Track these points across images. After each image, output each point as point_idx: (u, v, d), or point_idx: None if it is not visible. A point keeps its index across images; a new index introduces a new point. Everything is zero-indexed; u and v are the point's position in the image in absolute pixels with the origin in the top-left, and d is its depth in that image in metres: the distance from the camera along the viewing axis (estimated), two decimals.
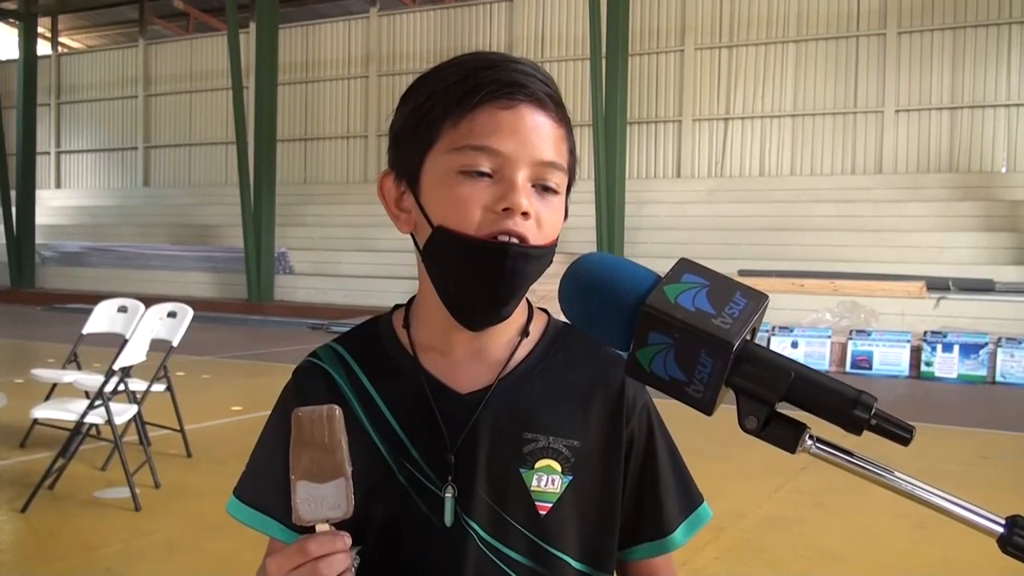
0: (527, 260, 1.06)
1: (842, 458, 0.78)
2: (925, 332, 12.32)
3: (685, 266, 0.85)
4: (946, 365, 11.98)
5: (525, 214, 1.04)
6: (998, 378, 11.73)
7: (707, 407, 0.81)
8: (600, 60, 15.83)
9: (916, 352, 12.21)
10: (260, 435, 1.22)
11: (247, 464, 1.22)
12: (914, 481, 0.77)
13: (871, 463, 0.78)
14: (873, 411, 0.77)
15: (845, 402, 0.77)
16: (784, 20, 19.02)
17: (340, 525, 0.95)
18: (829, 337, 12.63)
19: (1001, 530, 0.74)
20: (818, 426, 0.79)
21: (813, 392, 0.79)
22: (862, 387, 0.76)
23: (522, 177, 1.05)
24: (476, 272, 1.06)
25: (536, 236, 1.06)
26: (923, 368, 12.06)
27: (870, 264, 15.03)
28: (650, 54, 20.12)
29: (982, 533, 0.75)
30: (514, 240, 1.04)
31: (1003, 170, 17.52)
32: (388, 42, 23.13)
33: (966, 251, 15.54)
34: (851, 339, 12.56)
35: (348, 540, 0.94)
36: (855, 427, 0.77)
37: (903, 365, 12.20)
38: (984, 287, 14.13)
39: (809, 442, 0.79)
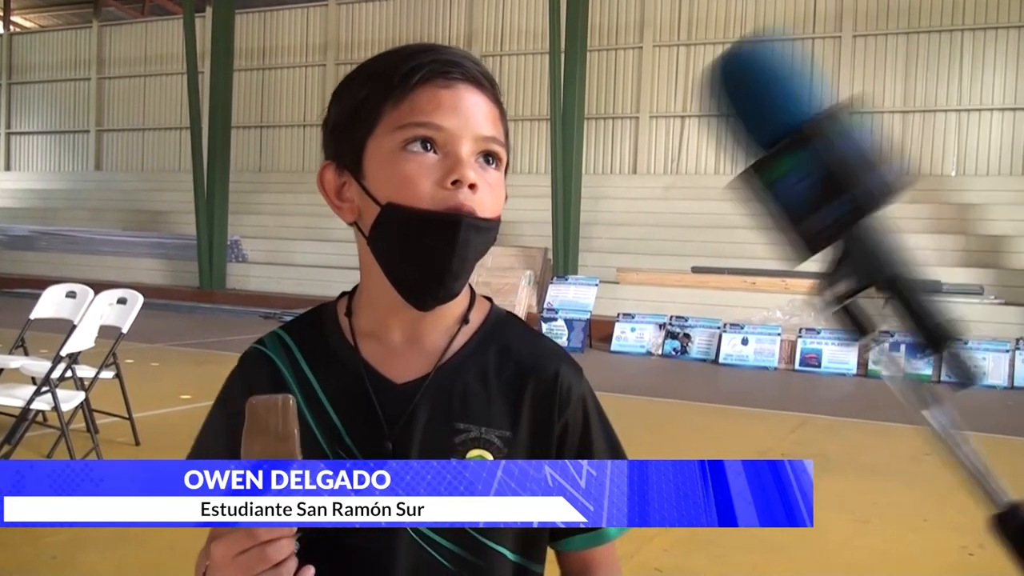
0: (477, 232, 1.07)
1: (903, 379, 0.75)
2: None
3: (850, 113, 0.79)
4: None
5: (472, 186, 1.06)
6: (943, 377, 11.85)
7: (813, 244, 0.75)
8: (559, 55, 15.81)
9: (864, 351, 12.38)
10: (205, 420, 1.22)
11: (191, 450, 1.21)
12: (958, 436, 0.73)
13: (928, 388, 0.74)
14: (957, 340, 0.74)
15: (940, 315, 0.75)
16: (741, 20, 19.17)
17: None
18: (779, 335, 12.76)
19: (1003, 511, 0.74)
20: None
21: (919, 290, 0.75)
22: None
23: (466, 151, 1.07)
24: (428, 245, 1.07)
25: (484, 209, 1.08)
26: (870, 366, 12.24)
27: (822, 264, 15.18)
28: (608, 50, 20.17)
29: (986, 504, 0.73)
30: (465, 212, 1.06)
31: (952, 173, 17.82)
32: (346, 31, 22.97)
33: (915, 252, 15.74)
34: (800, 337, 12.71)
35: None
36: (934, 342, 0.75)
37: (851, 363, 12.37)
38: (932, 288, 14.31)
39: (883, 341, 0.73)
